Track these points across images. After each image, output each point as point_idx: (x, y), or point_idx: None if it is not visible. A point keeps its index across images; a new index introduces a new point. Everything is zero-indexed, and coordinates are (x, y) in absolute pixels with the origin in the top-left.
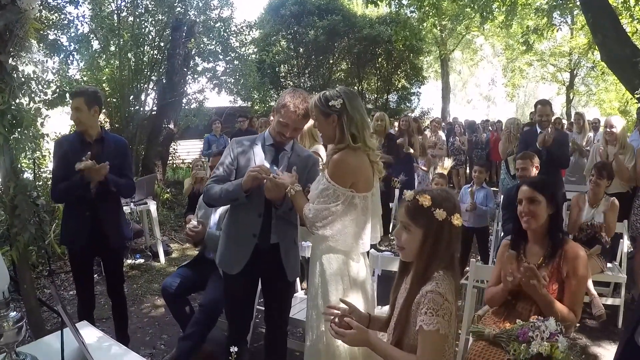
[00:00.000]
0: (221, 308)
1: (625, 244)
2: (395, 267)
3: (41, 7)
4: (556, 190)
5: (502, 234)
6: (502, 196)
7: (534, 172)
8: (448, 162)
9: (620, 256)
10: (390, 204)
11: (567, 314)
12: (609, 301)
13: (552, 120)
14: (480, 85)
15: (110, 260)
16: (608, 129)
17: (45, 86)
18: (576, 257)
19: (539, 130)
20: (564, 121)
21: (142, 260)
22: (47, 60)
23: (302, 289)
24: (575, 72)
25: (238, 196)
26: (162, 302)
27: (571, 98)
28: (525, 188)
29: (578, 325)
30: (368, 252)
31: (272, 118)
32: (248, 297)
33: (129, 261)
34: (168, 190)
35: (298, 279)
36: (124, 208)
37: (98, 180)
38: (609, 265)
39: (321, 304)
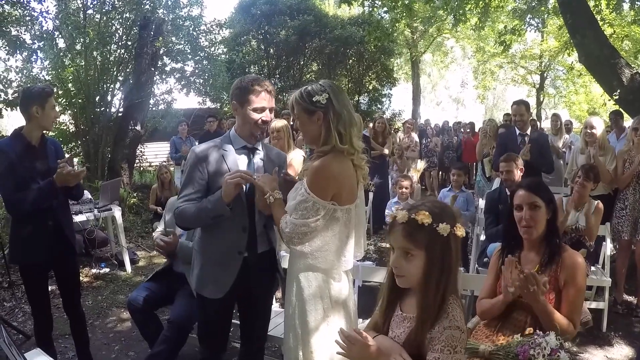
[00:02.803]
0: (192, 324)
1: (608, 247)
2: (377, 277)
3: (3, 2)
4: (550, 192)
5: (484, 238)
6: (479, 199)
7: (518, 174)
8: (421, 164)
9: (603, 259)
10: (365, 208)
11: (566, 325)
12: (593, 305)
13: (526, 121)
14: (450, 88)
15: (68, 273)
16: (588, 130)
17: (6, 85)
18: (574, 265)
19: (517, 131)
20: (538, 123)
21: (107, 270)
22: (8, 58)
23: (276, 301)
24: (545, 74)
25: (222, 212)
26: (129, 315)
27: (541, 100)
28: (524, 193)
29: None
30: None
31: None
32: (228, 317)
33: (94, 271)
34: (135, 195)
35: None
36: (87, 215)
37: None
38: (592, 268)
39: (299, 325)
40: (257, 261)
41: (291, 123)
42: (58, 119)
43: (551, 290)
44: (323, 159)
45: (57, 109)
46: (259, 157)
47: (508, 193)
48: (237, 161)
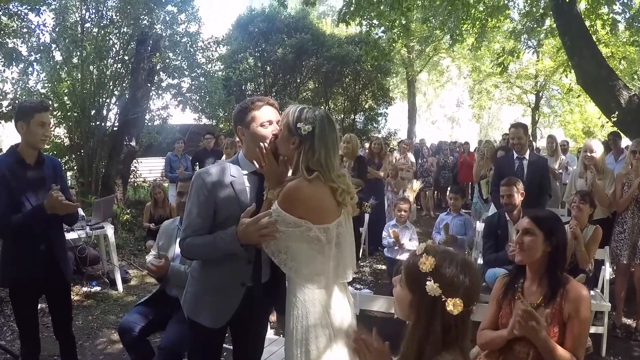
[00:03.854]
0: (184, 350)
1: (607, 271)
2: (375, 306)
3: (0, 13)
4: (557, 226)
5: (481, 262)
6: (476, 221)
7: (519, 199)
8: (416, 185)
9: (602, 283)
10: (361, 229)
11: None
12: (592, 329)
13: (524, 144)
14: (445, 107)
15: (59, 297)
16: (588, 154)
17: (1, 97)
18: (579, 298)
19: (515, 155)
20: (534, 144)
21: (98, 288)
22: (4, 70)
23: (271, 327)
24: (540, 94)
25: (235, 251)
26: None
27: (537, 119)
28: (525, 220)
29: None
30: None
31: (237, 140)
32: (220, 344)
33: (85, 289)
34: (128, 211)
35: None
36: (79, 232)
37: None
38: (591, 292)
39: (301, 354)
40: (261, 291)
41: None
42: (50, 136)
43: (555, 324)
44: (297, 181)
45: (52, 124)
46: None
47: (508, 218)
48: (247, 189)
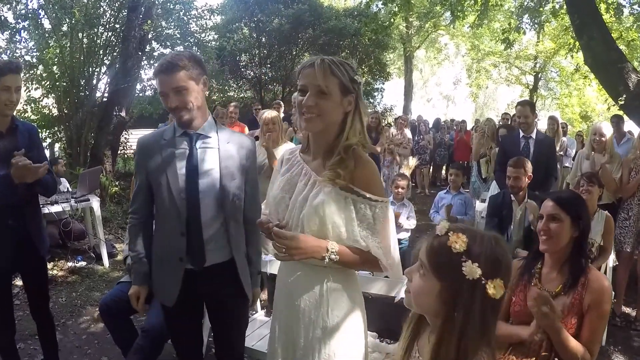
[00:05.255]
0: (168, 333)
1: (611, 258)
2: (374, 289)
3: None
4: (583, 209)
5: None
6: (475, 201)
7: (526, 181)
8: (412, 162)
9: (605, 270)
10: None
11: (582, 354)
12: None
13: (531, 123)
14: (441, 85)
15: (34, 275)
16: (597, 137)
17: None
18: (602, 290)
19: (521, 134)
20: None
21: (83, 263)
22: None
23: (262, 307)
24: (539, 75)
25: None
26: None
27: (534, 101)
28: (549, 203)
29: None
30: None
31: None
32: (193, 325)
33: (69, 264)
34: (117, 183)
35: None
36: (63, 205)
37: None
38: None
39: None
40: (208, 273)
41: (282, 115)
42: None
43: (573, 314)
44: (366, 156)
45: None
46: (207, 146)
47: (513, 198)
48: (175, 152)
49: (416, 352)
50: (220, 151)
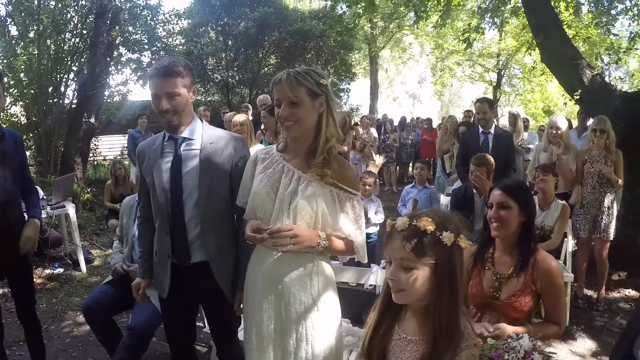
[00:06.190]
0: (153, 330)
1: (570, 243)
2: (345, 277)
3: None
4: (529, 195)
5: None
6: (440, 195)
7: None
8: (379, 160)
9: (564, 255)
10: None
11: (556, 332)
12: None
13: (489, 119)
14: (407, 84)
15: (21, 279)
16: (553, 131)
17: None
18: (549, 272)
19: (480, 129)
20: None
21: (61, 270)
22: None
23: None
24: (502, 72)
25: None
26: None
27: (498, 97)
28: (497, 192)
29: None
30: None
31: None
32: (185, 318)
33: (47, 271)
34: (89, 190)
35: None
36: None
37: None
38: None
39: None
40: (192, 271)
41: (251, 117)
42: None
43: (527, 293)
44: (345, 160)
45: (8, 102)
46: (190, 148)
47: (474, 190)
48: (163, 155)
49: (399, 334)
50: (202, 153)
